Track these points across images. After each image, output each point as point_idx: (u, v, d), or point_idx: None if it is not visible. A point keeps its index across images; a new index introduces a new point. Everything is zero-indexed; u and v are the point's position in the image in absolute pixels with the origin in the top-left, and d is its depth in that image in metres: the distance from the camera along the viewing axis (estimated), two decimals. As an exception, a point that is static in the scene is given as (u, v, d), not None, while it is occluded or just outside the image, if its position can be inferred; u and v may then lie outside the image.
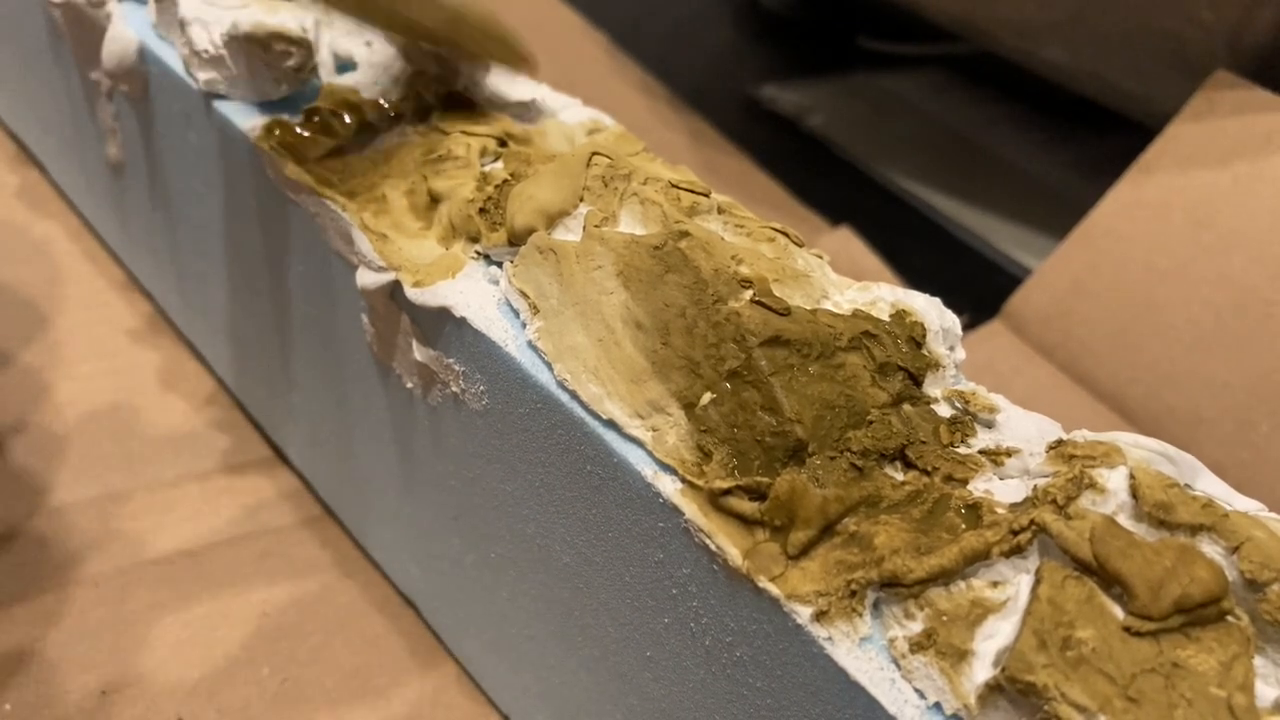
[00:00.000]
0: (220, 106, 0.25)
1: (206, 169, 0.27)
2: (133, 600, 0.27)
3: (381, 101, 0.25)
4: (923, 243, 0.44)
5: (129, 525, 0.29)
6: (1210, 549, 0.16)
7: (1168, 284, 0.34)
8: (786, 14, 0.58)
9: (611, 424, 0.18)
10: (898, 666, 0.16)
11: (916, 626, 0.16)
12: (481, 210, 0.22)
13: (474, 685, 0.27)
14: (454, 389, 0.22)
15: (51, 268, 0.36)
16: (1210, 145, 0.34)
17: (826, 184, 0.46)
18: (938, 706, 0.16)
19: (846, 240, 0.41)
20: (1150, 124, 0.36)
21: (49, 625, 0.27)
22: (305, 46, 0.25)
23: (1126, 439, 0.17)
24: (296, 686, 0.26)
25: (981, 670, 0.15)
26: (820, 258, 0.20)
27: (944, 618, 0.16)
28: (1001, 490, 0.17)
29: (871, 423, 0.18)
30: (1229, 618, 0.15)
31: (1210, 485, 0.17)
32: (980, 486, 0.17)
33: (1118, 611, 0.15)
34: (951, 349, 0.20)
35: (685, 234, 0.19)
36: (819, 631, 0.16)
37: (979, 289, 0.40)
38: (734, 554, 0.17)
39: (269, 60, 0.25)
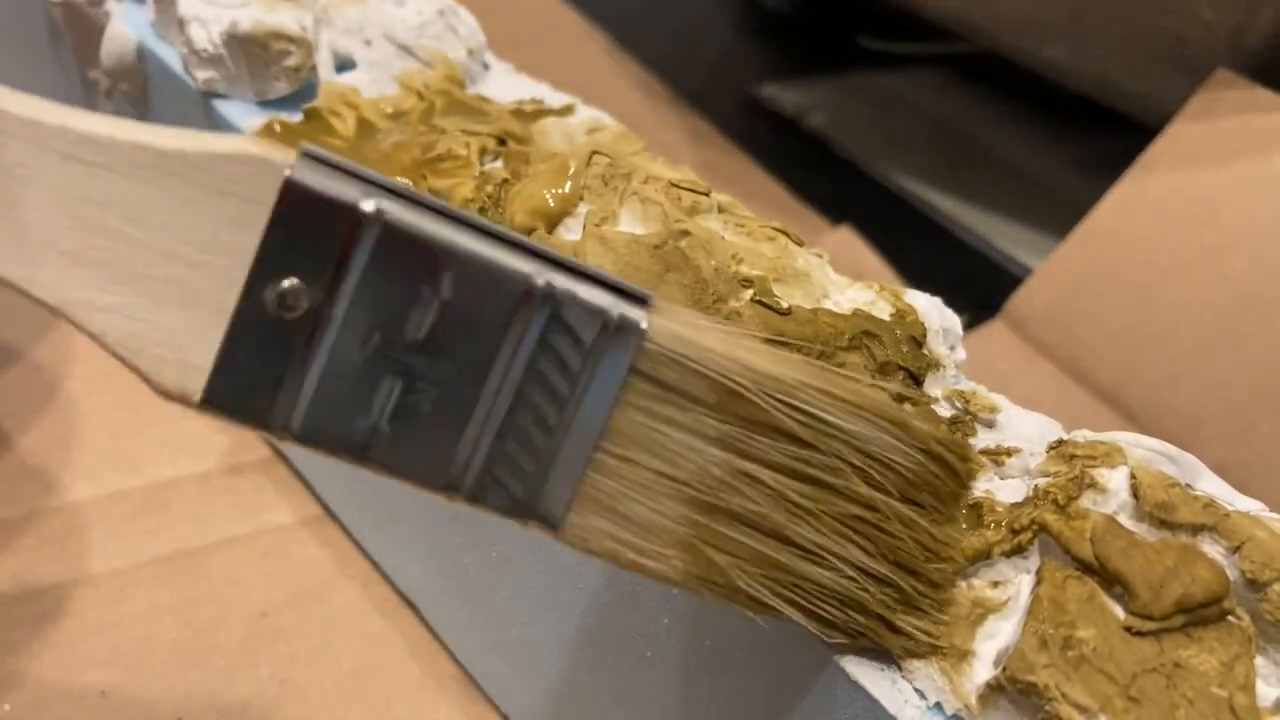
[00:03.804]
0: (219, 106, 0.25)
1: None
2: (132, 600, 0.27)
3: (381, 100, 0.25)
4: (924, 242, 0.43)
5: (129, 525, 0.29)
6: (1211, 549, 0.16)
7: (1169, 283, 0.34)
8: (787, 13, 0.58)
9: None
10: (898, 667, 0.16)
11: (917, 627, 0.16)
12: (481, 210, 0.22)
13: (474, 685, 0.27)
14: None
15: (51, 267, 0.36)
16: (1211, 144, 0.34)
17: (827, 183, 0.46)
18: (938, 707, 0.16)
19: (847, 239, 0.41)
20: (1151, 123, 0.36)
21: (48, 625, 0.26)
22: (304, 45, 0.25)
23: (1127, 439, 0.17)
24: (296, 687, 0.26)
25: (982, 670, 0.15)
26: (820, 257, 0.20)
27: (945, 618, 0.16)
28: (1002, 490, 0.17)
29: (872, 422, 0.18)
30: (1230, 618, 0.15)
31: (1211, 485, 0.17)
32: (981, 486, 0.17)
33: (1119, 611, 0.15)
34: (952, 349, 0.20)
35: (685, 233, 0.19)
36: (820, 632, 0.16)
37: (980, 288, 0.40)
38: (734, 554, 0.17)
39: (268, 59, 0.25)
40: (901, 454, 0.15)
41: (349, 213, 0.13)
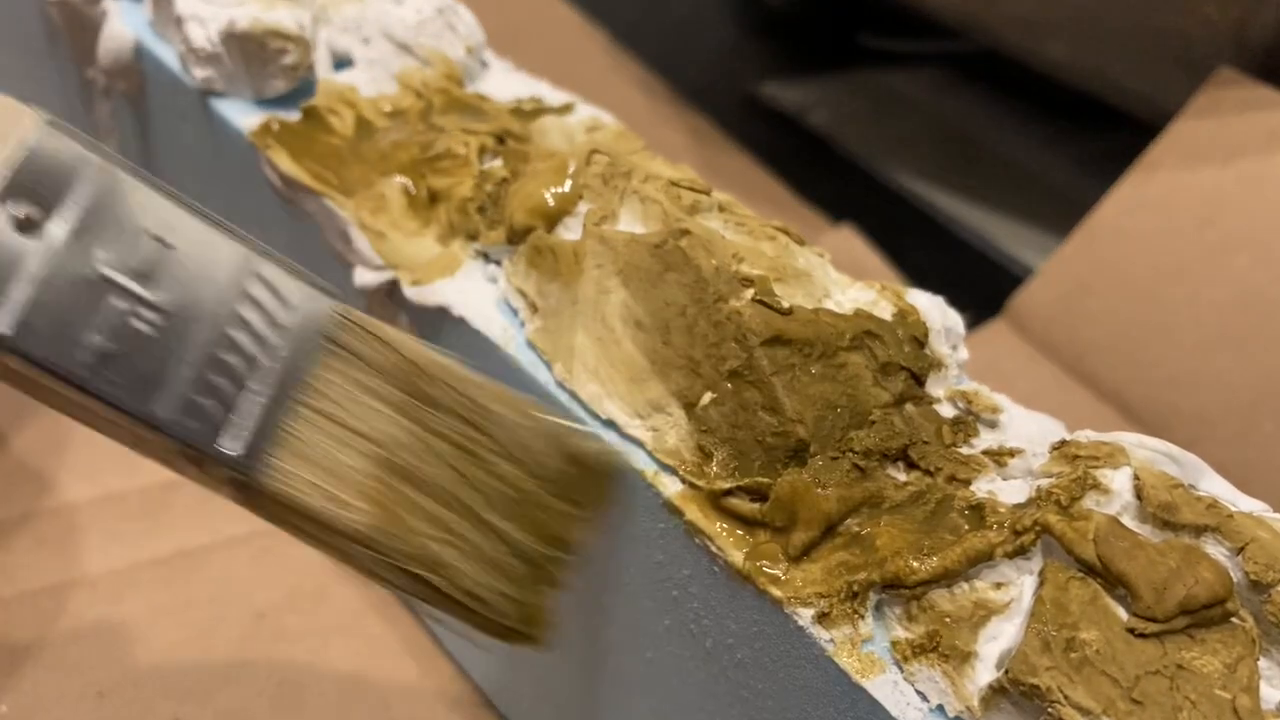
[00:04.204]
0: (217, 104, 0.25)
1: (203, 167, 0.27)
2: (129, 601, 0.27)
3: (379, 99, 0.25)
4: (925, 241, 0.43)
5: (126, 526, 0.29)
6: (1215, 550, 0.16)
7: (1172, 283, 0.34)
8: (787, 11, 0.58)
9: (611, 424, 0.18)
10: (900, 669, 0.16)
11: (919, 628, 0.16)
12: (480, 209, 0.22)
13: (473, 687, 0.26)
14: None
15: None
16: (1214, 143, 0.34)
17: (828, 182, 0.45)
18: (940, 709, 0.15)
19: (848, 239, 0.41)
20: (1154, 122, 0.36)
21: (46, 626, 0.26)
22: (302, 43, 0.25)
23: (1130, 439, 0.17)
24: (294, 688, 0.26)
25: (985, 672, 0.15)
26: (822, 256, 0.20)
27: (947, 619, 0.16)
28: (1005, 491, 0.17)
29: (874, 423, 0.18)
30: (1233, 619, 0.15)
31: (1215, 486, 0.17)
32: (983, 487, 0.17)
33: (1122, 613, 0.15)
34: (954, 348, 0.20)
35: (686, 232, 0.19)
36: (821, 634, 0.16)
37: (981, 287, 0.40)
38: (735, 556, 0.17)
39: (266, 57, 0.25)
40: (543, 448, 0.17)
41: (85, 158, 0.15)
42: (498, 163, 0.23)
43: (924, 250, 0.42)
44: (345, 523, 0.16)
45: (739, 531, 0.17)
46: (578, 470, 0.18)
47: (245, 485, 0.16)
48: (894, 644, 0.16)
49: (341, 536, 0.16)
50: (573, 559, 0.18)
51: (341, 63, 0.26)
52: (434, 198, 0.22)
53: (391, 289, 0.22)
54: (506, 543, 0.17)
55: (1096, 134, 0.46)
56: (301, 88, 0.25)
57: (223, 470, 0.16)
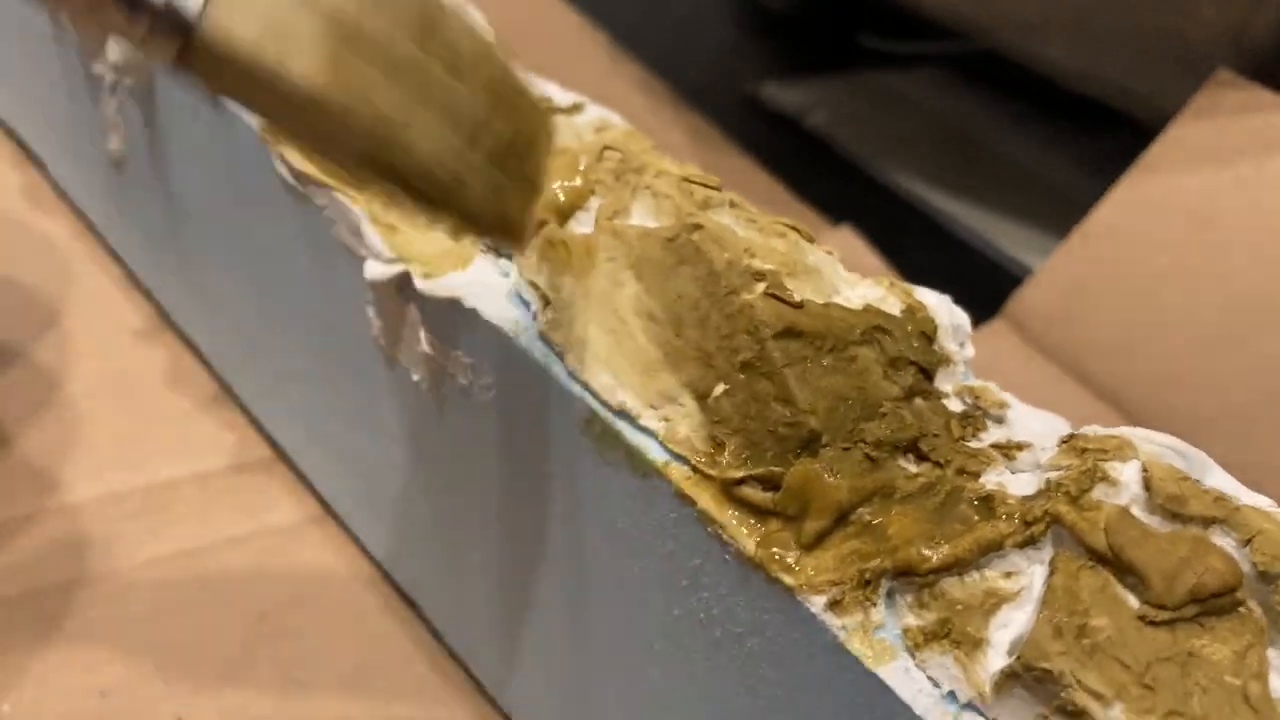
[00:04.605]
0: (226, 98, 0.25)
1: (212, 162, 0.27)
2: (133, 600, 0.27)
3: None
4: (924, 241, 0.44)
5: (129, 525, 0.29)
6: (1223, 541, 0.16)
7: (1170, 283, 0.34)
8: (787, 12, 0.58)
9: (623, 414, 0.18)
10: (912, 656, 0.16)
11: (931, 616, 0.16)
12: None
13: (475, 685, 0.26)
14: (461, 381, 0.22)
15: (53, 267, 0.36)
16: (1212, 144, 0.34)
17: (827, 183, 0.46)
18: (952, 695, 0.16)
19: (848, 239, 0.41)
20: (1152, 123, 0.36)
21: (49, 625, 0.26)
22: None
23: (1137, 433, 0.17)
24: (297, 687, 0.26)
25: (996, 659, 0.15)
26: (831, 254, 0.20)
27: (958, 607, 0.16)
28: (1014, 484, 0.17)
29: (884, 415, 0.18)
30: (1242, 609, 0.15)
31: (1220, 481, 0.17)
32: (993, 479, 0.17)
33: (1132, 601, 0.15)
34: (961, 345, 0.20)
35: (698, 226, 0.19)
36: (833, 621, 0.16)
37: (980, 288, 0.40)
38: (747, 544, 0.17)
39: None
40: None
41: None
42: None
43: (924, 250, 0.42)
44: (296, 77, 0.14)
45: (751, 520, 0.17)
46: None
47: (185, 34, 0.14)
48: (905, 631, 0.16)
49: (291, 96, 0.14)
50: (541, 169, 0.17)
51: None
52: (444, 193, 0.22)
53: (403, 282, 0.22)
54: (476, 120, 0.16)
55: (1096, 134, 0.47)
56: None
57: (161, 21, 0.14)
